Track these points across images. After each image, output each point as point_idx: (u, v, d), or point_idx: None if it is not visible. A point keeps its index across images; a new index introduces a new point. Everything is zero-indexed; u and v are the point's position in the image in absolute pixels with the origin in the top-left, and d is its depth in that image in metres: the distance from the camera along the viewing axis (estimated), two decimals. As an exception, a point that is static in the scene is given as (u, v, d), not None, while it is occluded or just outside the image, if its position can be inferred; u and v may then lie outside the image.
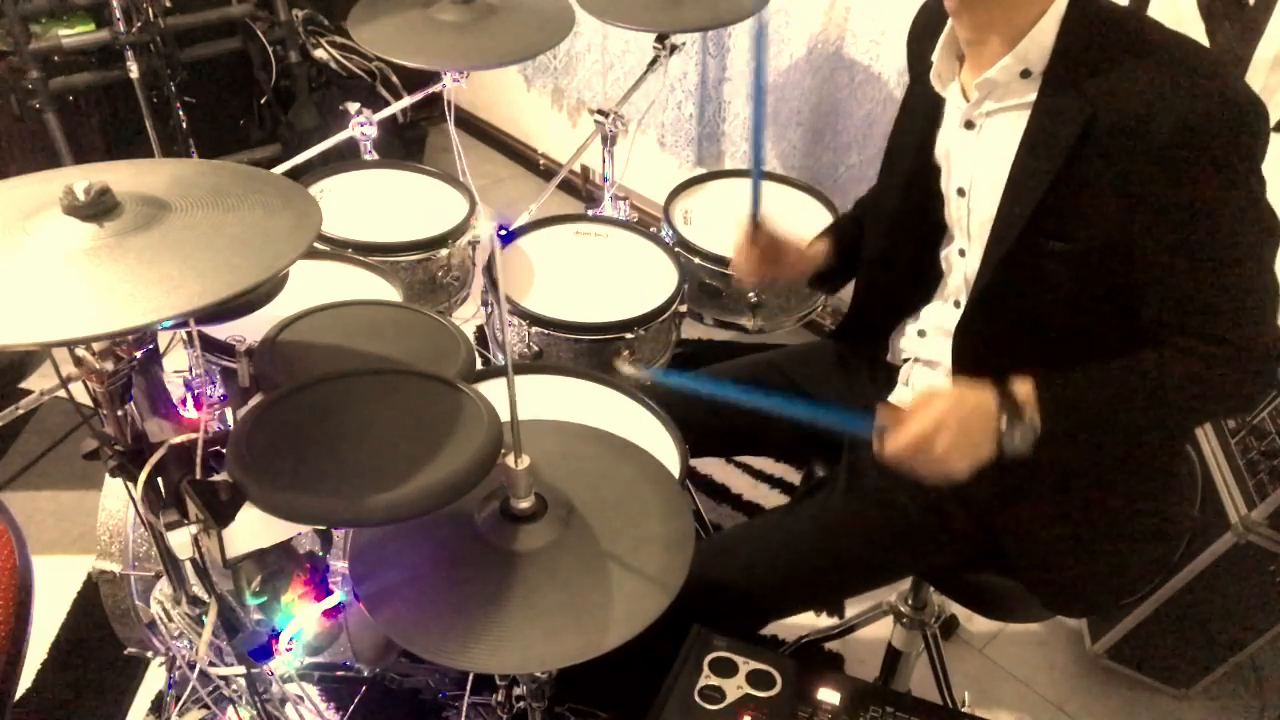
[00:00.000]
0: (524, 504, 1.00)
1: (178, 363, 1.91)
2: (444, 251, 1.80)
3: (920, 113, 1.27)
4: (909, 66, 1.33)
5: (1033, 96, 1.10)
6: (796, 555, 1.29)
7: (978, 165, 1.18)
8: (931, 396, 1.08)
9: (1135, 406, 1.08)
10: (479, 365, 1.45)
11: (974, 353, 1.22)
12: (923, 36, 1.27)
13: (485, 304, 1.82)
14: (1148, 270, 1.06)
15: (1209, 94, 0.99)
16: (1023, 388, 1.08)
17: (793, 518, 1.35)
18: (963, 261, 1.27)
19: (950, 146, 1.24)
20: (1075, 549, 1.24)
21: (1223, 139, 0.99)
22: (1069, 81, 1.06)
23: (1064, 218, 1.08)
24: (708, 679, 1.09)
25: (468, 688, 1.51)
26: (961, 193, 1.22)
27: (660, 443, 1.39)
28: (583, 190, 3.11)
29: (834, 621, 1.87)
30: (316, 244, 1.70)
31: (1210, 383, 1.06)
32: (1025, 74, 1.10)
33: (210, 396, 1.26)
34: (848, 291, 1.51)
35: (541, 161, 3.31)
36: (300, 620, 1.07)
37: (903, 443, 1.07)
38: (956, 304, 1.31)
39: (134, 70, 2.35)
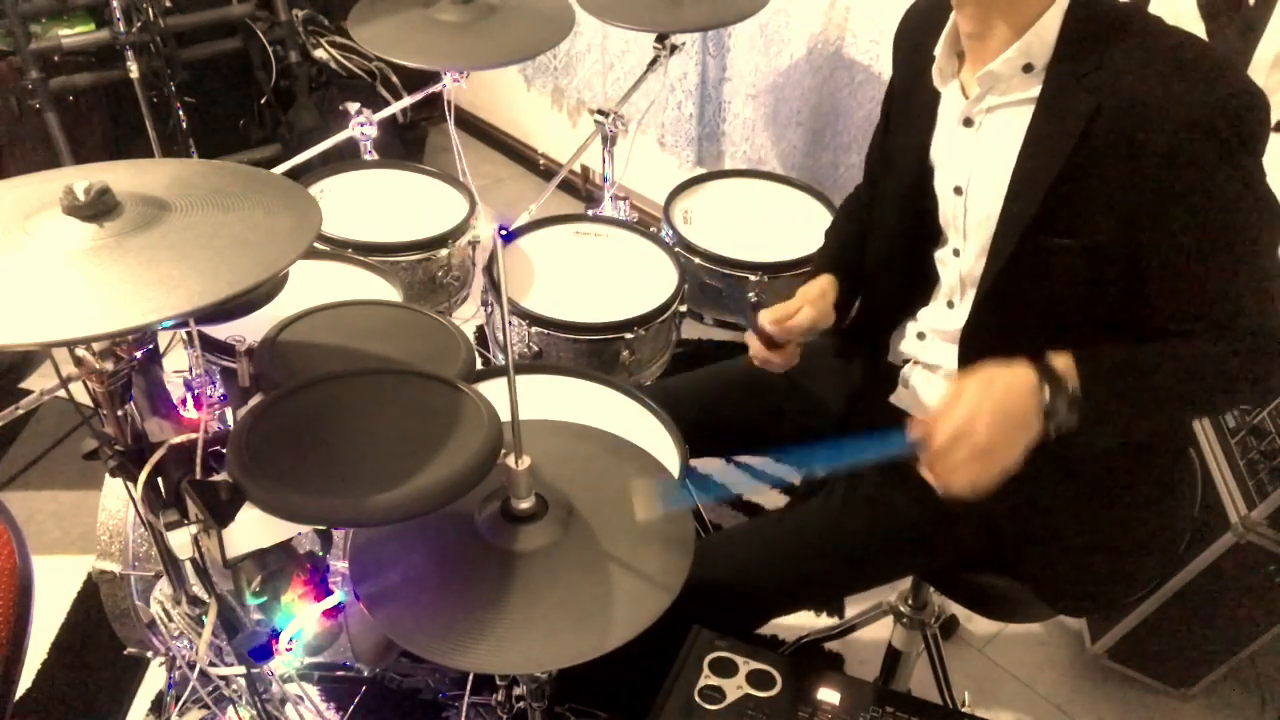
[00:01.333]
0: (524, 504, 1.00)
1: (178, 363, 1.91)
2: (444, 251, 1.80)
3: (915, 114, 1.27)
4: (895, 68, 1.33)
5: (1035, 91, 1.10)
6: (796, 554, 1.29)
7: (977, 163, 1.18)
8: (958, 390, 1.03)
9: (1170, 383, 1.07)
10: (479, 365, 1.45)
11: (980, 355, 1.21)
12: (913, 36, 1.26)
13: (485, 304, 1.82)
14: (1158, 263, 1.06)
15: (1213, 86, 0.99)
16: (1060, 360, 1.04)
17: (793, 517, 1.35)
18: (957, 261, 1.27)
19: (946, 145, 1.23)
20: (1079, 549, 1.24)
21: (1227, 130, 0.99)
22: (1072, 75, 1.06)
23: (1069, 213, 1.08)
24: (708, 679, 1.08)
25: (468, 688, 1.51)
26: (958, 191, 1.22)
27: (660, 443, 1.39)
28: (583, 190, 3.11)
29: (834, 621, 1.87)
30: (316, 244, 1.70)
31: (1237, 363, 1.05)
32: (1028, 68, 1.10)
33: (210, 396, 1.26)
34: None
35: (541, 161, 3.31)
36: (300, 620, 1.07)
37: (942, 445, 1.01)
38: (950, 304, 1.30)
39: (134, 70, 2.35)
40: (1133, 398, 1.07)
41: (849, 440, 1.09)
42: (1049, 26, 1.07)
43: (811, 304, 1.36)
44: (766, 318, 1.34)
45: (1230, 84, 1.00)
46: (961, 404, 1.02)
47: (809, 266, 1.80)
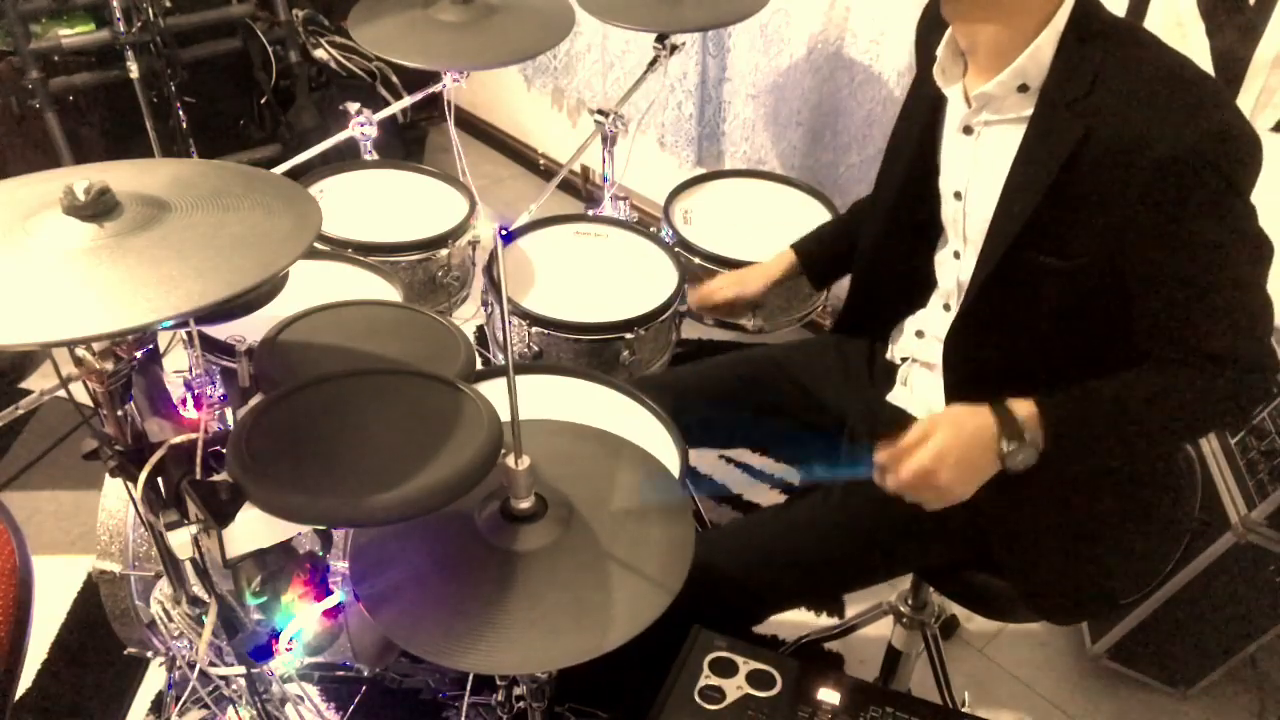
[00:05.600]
0: (524, 504, 1.00)
1: (178, 363, 1.90)
2: (444, 251, 1.80)
3: (922, 110, 1.27)
4: (916, 57, 1.32)
5: (1029, 111, 1.09)
6: (794, 548, 1.29)
7: (975, 171, 1.18)
8: (930, 428, 1.08)
9: (1136, 422, 1.09)
10: (479, 365, 1.45)
11: (965, 360, 1.22)
12: (932, 28, 1.26)
13: (485, 304, 1.82)
14: (1139, 291, 1.07)
15: (1201, 124, 0.99)
16: (1023, 407, 1.08)
17: (791, 512, 1.35)
18: (957, 264, 1.27)
19: (949, 149, 1.23)
20: (1069, 556, 1.24)
21: (1209, 171, 0.99)
22: (1065, 99, 1.06)
23: (1056, 233, 1.08)
24: (708, 679, 1.08)
25: (468, 688, 1.51)
26: (958, 196, 1.22)
27: (660, 443, 1.39)
28: (583, 190, 3.11)
29: (834, 621, 1.87)
30: (316, 244, 1.70)
31: (1207, 397, 1.06)
32: (1023, 88, 1.10)
33: (210, 396, 1.26)
34: (845, 287, 1.52)
35: (541, 161, 3.31)
36: (300, 620, 1.07)
37: (905, 479, 1.08)
38: (946, 307, 1.30)
39: (134, 70, 2.35)
40: (1097, 442, 1.11)
41: (821, 461, 1.20)
42: (1043, 50, 1.07)
43: (734, 281, 1.66)
44: (692, 298, 1.70)
45: (1217, 120, 0.99)
46: (929, 447, 1.07)
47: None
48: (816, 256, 1.60)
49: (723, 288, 1.66)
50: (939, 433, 1.07)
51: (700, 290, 1.68)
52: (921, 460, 1.07)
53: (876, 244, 1.40)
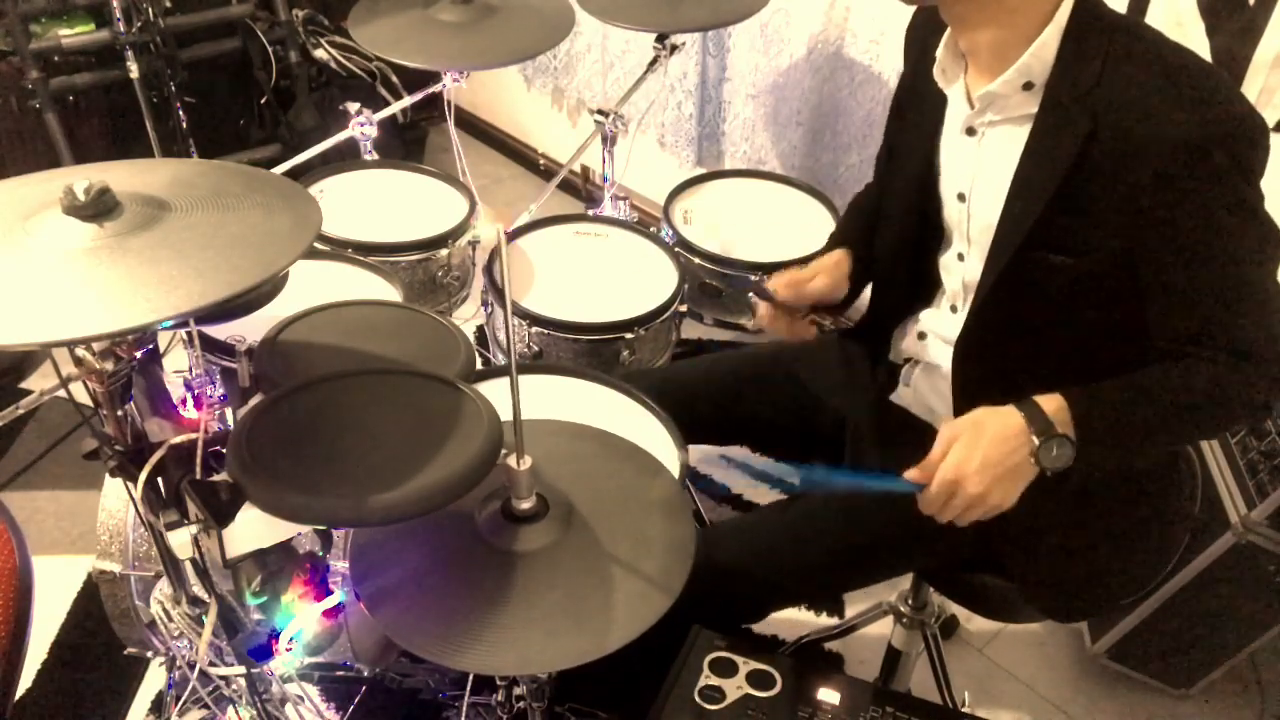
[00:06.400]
0: (525, 504, 1.00)
1: (178, 363, 1.90)
2: (444, 251, 1.80)
3: (924, 111, 1.26)
4: (905, 58, 1.32)
5: (1034, 109, 1.09)
6: (794, 547, 1.29)
7: (979, 173, 1.18)
8: (948, 441, 1.06)
9: (1164, 414, 1.08)
10: (479, 365, 1.45)
11: (976, 362, 1.21)
12: (924, 27, 1.26)
13: (485, 304, 1.82)
14: (1153, 285, 1.06)
15: (1209, 111, 0.98)
16: (1050, 402, 1.06)
17: (792, 511, 1.35)
18: (961, 266, 1.26)
19: (950, 151, 1.23)
20: (1070, 554, 1.24)
21: (1223, 157, 0.99)
22: (1070, 95, 1.05)
23: (1065, 231, 1.08)
24: (708, 679, 1.09)
25: (468, 688, 1.51)
26: (961, 198, 1.21)
27: (660, 443, 1.39)
28: (583, 190, 3.11)
29: (834, 621, 1.87)
30: (316, 244, 1.70)
31: (1232, 389, 1.05)
32: (1028, 86, 1.10)
33: (210, 396, 1.26)
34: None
35: (541, 161, 3.31)
36: (300, 620, 1.07)
37: (935, 498, 1.06)
38: (953, 309, 1.30)
39: (134, 70, 2.35)
40: (1127, 434, 1.09)
41: (853, 472, 1.13)
42: (1047, 46, 1.07)
43: (826, 272, 1.37)
44: (779, 280, 1.35)
45: (1225, 108, 0.99)
46: (951, 458, 1.05)
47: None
48: (860, 254, 1.43)
49: (815, 277, 1.36)
50: (958, 444, 1.05)
51: (787, 276, 1.36)
52: (944, 476, 1.04)
53: (887, 247, 1.40)
